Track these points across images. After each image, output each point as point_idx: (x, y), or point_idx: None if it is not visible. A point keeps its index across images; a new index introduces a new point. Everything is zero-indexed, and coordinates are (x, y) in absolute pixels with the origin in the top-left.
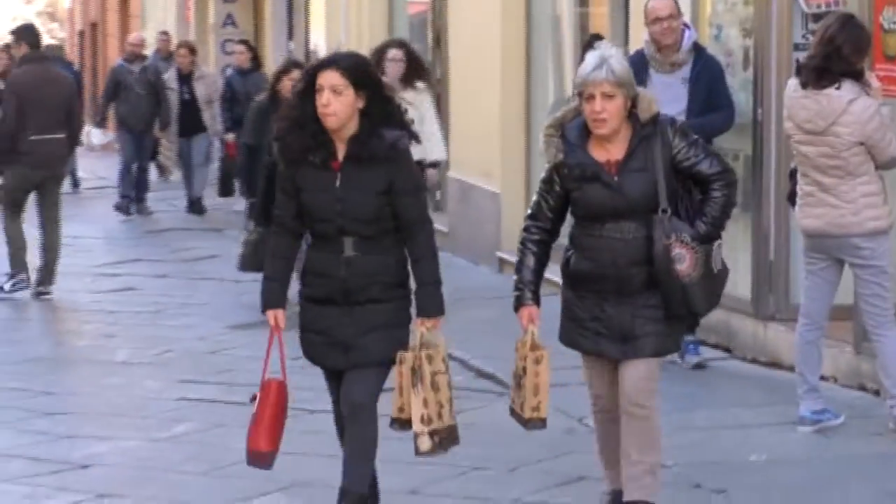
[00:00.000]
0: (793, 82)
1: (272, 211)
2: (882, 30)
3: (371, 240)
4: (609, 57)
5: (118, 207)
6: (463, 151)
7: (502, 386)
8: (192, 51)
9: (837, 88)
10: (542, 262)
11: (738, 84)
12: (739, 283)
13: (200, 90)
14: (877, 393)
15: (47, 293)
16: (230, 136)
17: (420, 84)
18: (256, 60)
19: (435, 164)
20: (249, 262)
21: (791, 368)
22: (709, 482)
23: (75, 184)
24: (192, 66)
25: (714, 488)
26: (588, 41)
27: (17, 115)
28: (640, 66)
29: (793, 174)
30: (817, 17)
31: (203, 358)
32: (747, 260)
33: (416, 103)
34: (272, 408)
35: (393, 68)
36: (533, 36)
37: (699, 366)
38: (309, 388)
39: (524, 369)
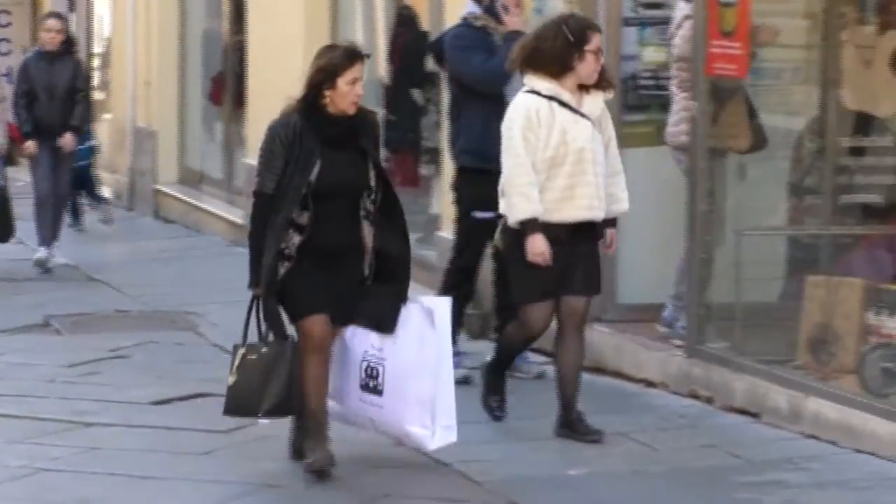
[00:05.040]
0: None
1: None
2: (720, 3)
3: None
4: None
5: None
6: (261, 136)
7: None
8: None
9: None
10: None
11: None
12: None
13: None
14: (709, 400)
15: None
16: (30, 146)
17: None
18: (69, 42)
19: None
20: (243, 400)
21: (616, 374)
22: (525, 499)
23: None
24: None
25: None
26: (398, 17)
27: None
28: (483, 38)
29: None
30: None
31: None
32: None
33: (602, 120)
34: None
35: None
36: (340, 12)
37: (541, 376)
38: (88, 398)
39: None
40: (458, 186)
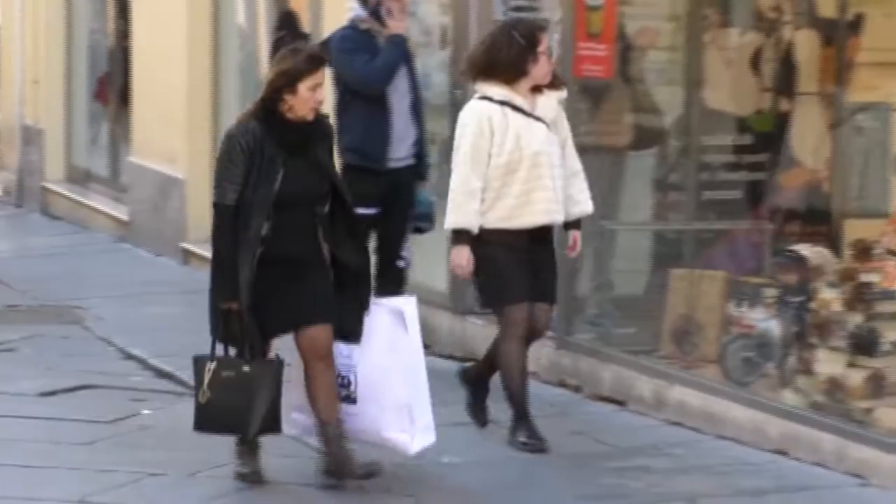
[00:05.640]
0: None
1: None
2: (586, 7)
3: None
4: None
5: None
6: (145, 135)
7: (183, 385)
8: None
9: None
10: None
11: (435, 64)
12: (437, 277)
13: None
14: (578, 389)
15: None
16: None
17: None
18: None
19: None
20: (224, 418)
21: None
22: (398, 487)
23: None
24: None
25: (404, 493)
26: (280, 20)
27: None
28: (367, 41)
29: None
30: None
31: None
32: (443, 252)
33: (557, 121)
34: None
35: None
36: (223, 15)
37: None
38: None
39: None
40: None
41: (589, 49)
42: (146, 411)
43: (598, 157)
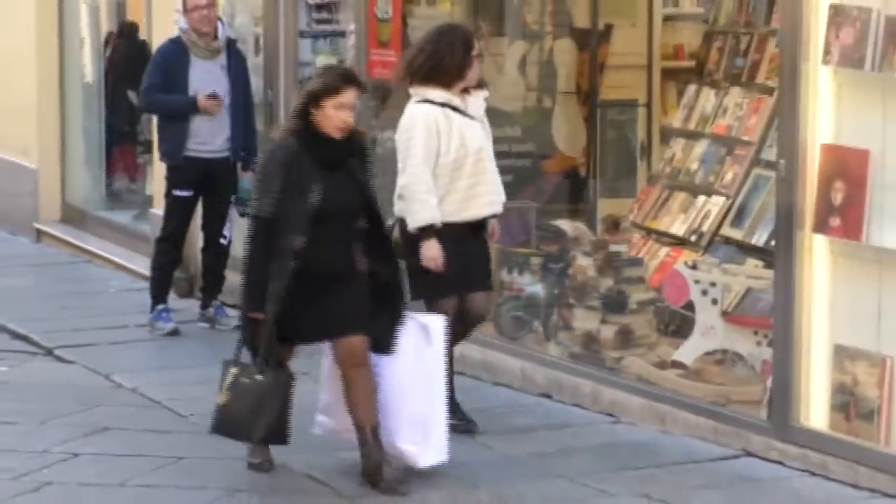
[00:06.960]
0: None
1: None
2: (377, 19)
3: None
4: None
5: None
6: (1, 129)
7: (35, 346)
8: None
9: None
10: None
11: (250, 68)
12: None
13: None
14: None
15: None
16: None
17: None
18: None
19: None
20: (232, 423)
21: None
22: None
23: None
24: None
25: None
26: (119, 29)
27: None
28: (179, 52)
29: None
30: (320, 7)
31: None
32: None
33: (483, 118)
34: None
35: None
36: (67, 20)
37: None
38: None
39: None
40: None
41: (380, 55)
42: (2, 368)
43: (389, 148)
